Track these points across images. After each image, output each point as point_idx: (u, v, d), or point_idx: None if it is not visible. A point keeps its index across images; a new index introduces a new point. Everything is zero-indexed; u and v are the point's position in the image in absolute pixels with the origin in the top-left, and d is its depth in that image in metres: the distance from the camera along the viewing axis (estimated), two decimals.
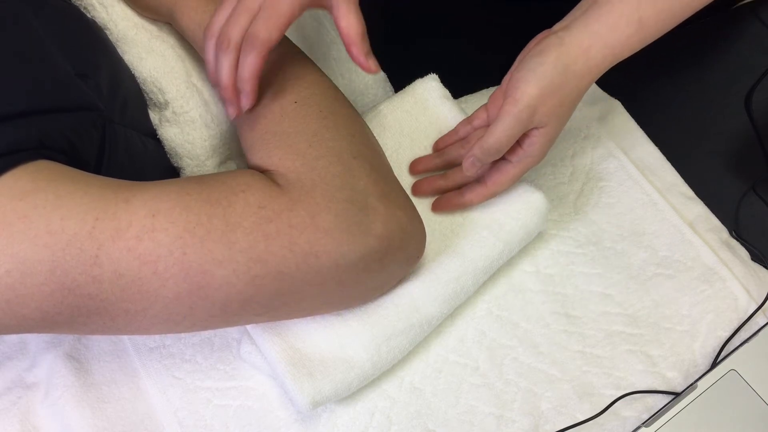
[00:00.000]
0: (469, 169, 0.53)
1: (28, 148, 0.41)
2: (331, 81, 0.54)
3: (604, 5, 0.52)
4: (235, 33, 0.47)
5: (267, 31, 0.45)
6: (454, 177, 0.59)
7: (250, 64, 0.46)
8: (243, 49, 0.46)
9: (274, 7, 0.46)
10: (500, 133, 0.52)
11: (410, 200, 0.51)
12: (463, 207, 0.55)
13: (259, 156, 0.48)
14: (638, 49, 0.53)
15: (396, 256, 0.48)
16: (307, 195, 0.44)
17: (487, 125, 0.59)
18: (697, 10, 0.53)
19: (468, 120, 0.62)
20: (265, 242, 0.43)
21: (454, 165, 0.60)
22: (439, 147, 0.63)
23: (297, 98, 0.49)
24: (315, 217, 0.44)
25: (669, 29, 0.53)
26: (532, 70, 0.52)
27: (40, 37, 0.46)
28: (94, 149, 0.49)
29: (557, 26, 0.55)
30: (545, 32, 0.55)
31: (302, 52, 0.55)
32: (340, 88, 0.55)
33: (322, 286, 0.46)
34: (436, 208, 0.54)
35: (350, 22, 0.47)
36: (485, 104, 0.61)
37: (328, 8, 0.48)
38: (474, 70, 0.59)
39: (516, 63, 0.57)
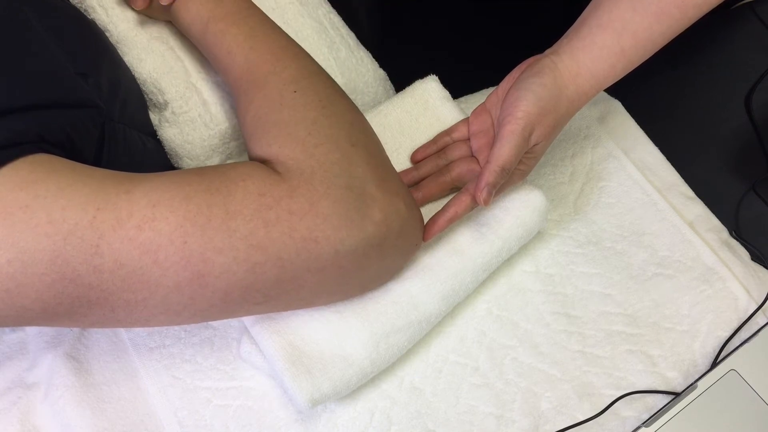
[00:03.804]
0: (487, 200, 0.52)
1: (28, 141, 0.41)
2: (329, 75, 0.54)
3: (586, 36, 0.54)
4: None
5: None
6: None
7: None
8: None
9: None
10: (509, 153, 0.52)
11: (407, 189, 0.51)
12: (451, 221, 0.54)
13: (260, 146, 0.49)
14: (622, 76, 0.55)
15: (395, 243, 0.48)
16: (307, 182, 0.45)
17: (467, 138, 0.60)
18: (677, 34, 0.54)
19: (447, 132, 0.62)
20: (265, 229, 0.43)
21: (428, 176, 0.60)
22: (417, 158, 0.62)
23: (296, 87, 0.50)
24: (314, 203, 0.44)
25: (651, 55, 0.55)
26: (530, 90, 0.53)
27: (40, 36, 0.46)
28: (93, 146, 0.49)
29: (548, 51, 0.56)
30: (535, 57, 0.56)
31: (300, 47, 0.55)
32: (341, 88, 0.55)
33: (321, 273, 0.46)
34: (428, 236, 0.54)
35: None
36: (466, 118, 0.61)
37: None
38: (474, 70, 0.59)
39: (507, 82, 0.58)
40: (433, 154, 0.62)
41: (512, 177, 0.56)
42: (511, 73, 0.58)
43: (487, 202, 0.52)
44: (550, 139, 0.55)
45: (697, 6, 0.53)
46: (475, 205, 0.54)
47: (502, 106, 0.55)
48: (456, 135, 0.61)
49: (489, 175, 0.52)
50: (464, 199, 0.54)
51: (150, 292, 0.42)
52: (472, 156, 0.59)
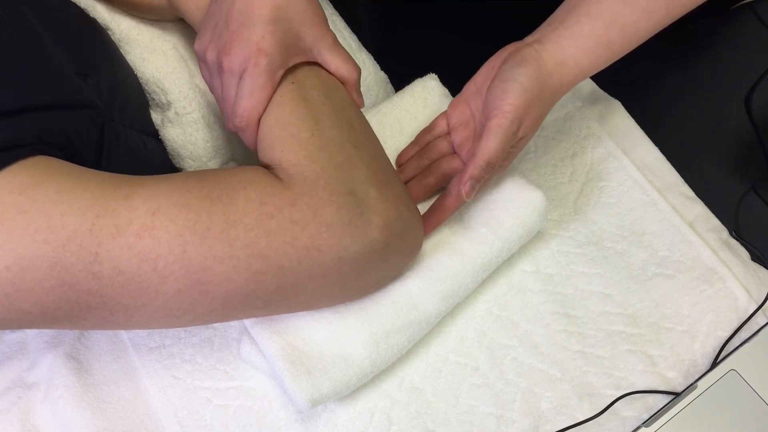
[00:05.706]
0: (469, 194, 0.51)
1: (27, 143, 0.41)
2: (327, 72, 0.54)
3: (573, 25, 0.53)
4: (228, 112, 0.50)
5: (253, 109, 0.48)
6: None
7: (248, 137, 0.50)
8: (237, 127, 0.49)
9: (254, 79, 0.47)
10: (495, 147, 0.51)
11: (407, 190, 0.51)
12: (439, 223, 0.54)
13: (261, 148, 0.49)
14: (605, 66, 0.54)
15: (398, 246, 0.48)
16: (310, 189, 0.44)
17: (448, 134, 0.59)
18: (662, 28, 0.54)
19: (427, 130, 0.61)
20: (266, 238, 0.43)
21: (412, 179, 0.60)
22: (401, 162, 0.62)
23: (294, 79, 0.49)
24: (317, 211, 0.44)
25: (635, 47, 0.54)
26: (516, 81, 0.51)
27: (39, 35, 0.46)
28: (93, 147, 0.49)
29: (529, 39, 0.55)
30: (516, 44, 0.55)
31: None
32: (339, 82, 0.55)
33: (323, 279, 0.46)
34: (426, 232, 0.54)
35: (338, 65, 0.51)
36: (444, 112, 0.60)
37: (312, 59, 0.51)
38: (474, 70, 0.59)
39: (486, 71, 0.56)
40: (415, 155, 0.61)
41: (497, 169, 0.55)
42: (489, 61, 0.57)
43: (469, 196, 0.51)
44: (534, 130, 0.54)
45: (683, 5, 0.52)
46: (462, 202, 0.53)
47: (486, 98, 0.54)
48: (436, 131, 0.60)
49: (474, 169, 0.51)
50: (449, 199, 0.54)
51: (149, 298, 0.42)
52: (454, 153, 0.59)
